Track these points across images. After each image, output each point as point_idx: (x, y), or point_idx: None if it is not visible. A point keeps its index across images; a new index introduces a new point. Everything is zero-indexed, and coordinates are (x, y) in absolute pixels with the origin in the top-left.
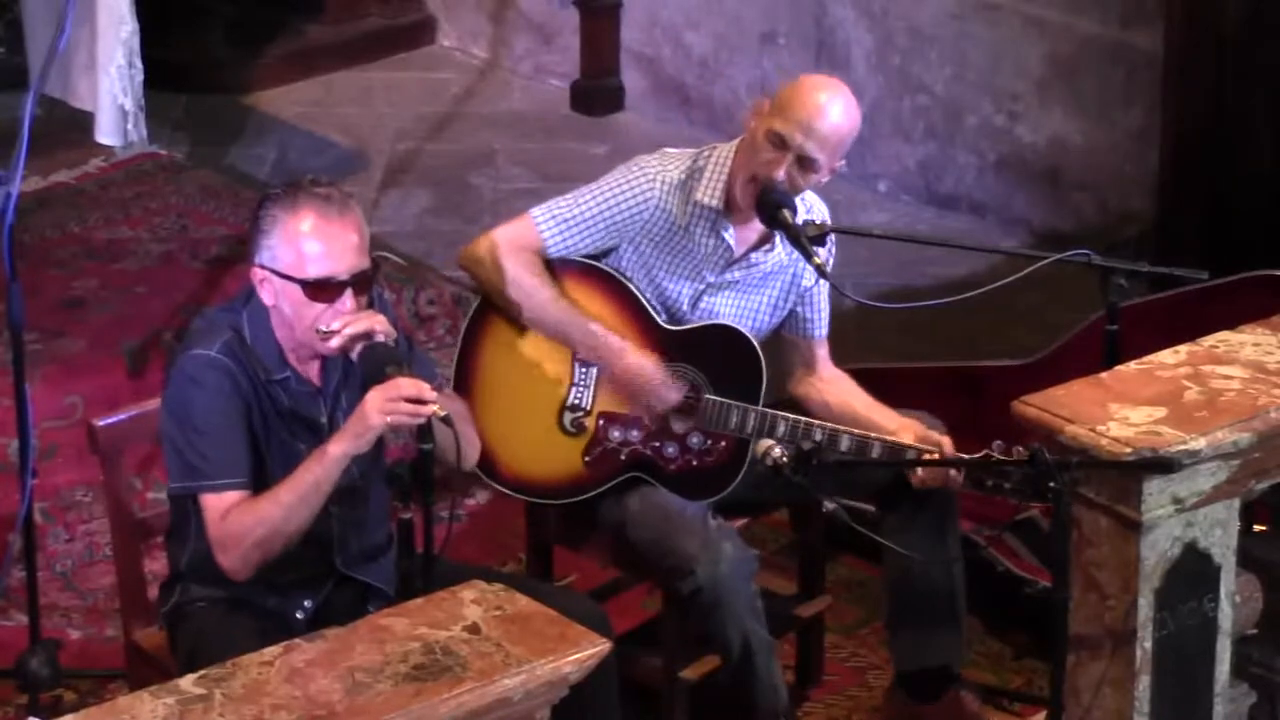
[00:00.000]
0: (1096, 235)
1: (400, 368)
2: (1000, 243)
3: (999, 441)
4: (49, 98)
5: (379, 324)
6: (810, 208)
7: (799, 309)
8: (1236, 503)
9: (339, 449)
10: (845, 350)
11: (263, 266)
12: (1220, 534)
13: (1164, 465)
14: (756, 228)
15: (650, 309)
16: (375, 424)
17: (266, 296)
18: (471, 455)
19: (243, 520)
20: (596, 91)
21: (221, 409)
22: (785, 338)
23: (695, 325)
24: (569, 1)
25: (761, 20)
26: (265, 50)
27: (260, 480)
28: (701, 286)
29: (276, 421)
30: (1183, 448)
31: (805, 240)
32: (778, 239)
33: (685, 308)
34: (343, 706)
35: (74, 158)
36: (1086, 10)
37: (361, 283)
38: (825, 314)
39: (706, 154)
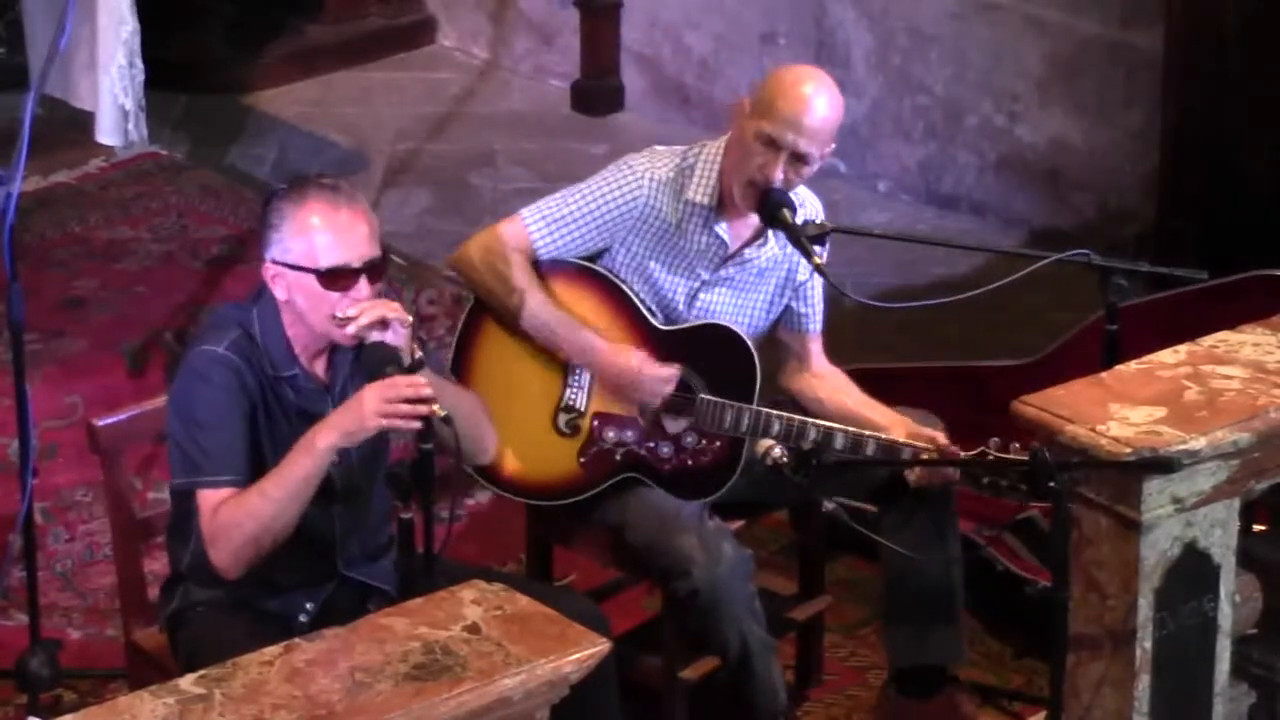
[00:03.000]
0: (1096, 235)
1: (399, 368)
2: (1000, 243)
3: (995, 439)
4: (49, 98)
5: (394, 310)
6: (803, 202)
7: (793, 304)
8: (1236, 503)
9: (326, 442)
10: (845, 350)
11: (275, 261)
12: (1220, 534)
13: (1164, 465)
14: (751, 223)
15: (644, 310)
16: (371, 426)
17: (279, 292)
18: (489, 448)
19: (232, 515)
20: (596, 91)
21: (226, 405)
22: (780, 332)
23: (689, 325)
24: (569, 1)
25: (761, 20)
26: (265, 50)
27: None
28: (696, 284)
29: (283, 420)
30: (1183, 448)
31: (805, 240)
32: (771, 234)
33: (681, 306)
34: (343, 706)
35: (74, 158)
36: (1086, 10)
37: (375, 270)
38: (820, 308)
39: (696, 151)
